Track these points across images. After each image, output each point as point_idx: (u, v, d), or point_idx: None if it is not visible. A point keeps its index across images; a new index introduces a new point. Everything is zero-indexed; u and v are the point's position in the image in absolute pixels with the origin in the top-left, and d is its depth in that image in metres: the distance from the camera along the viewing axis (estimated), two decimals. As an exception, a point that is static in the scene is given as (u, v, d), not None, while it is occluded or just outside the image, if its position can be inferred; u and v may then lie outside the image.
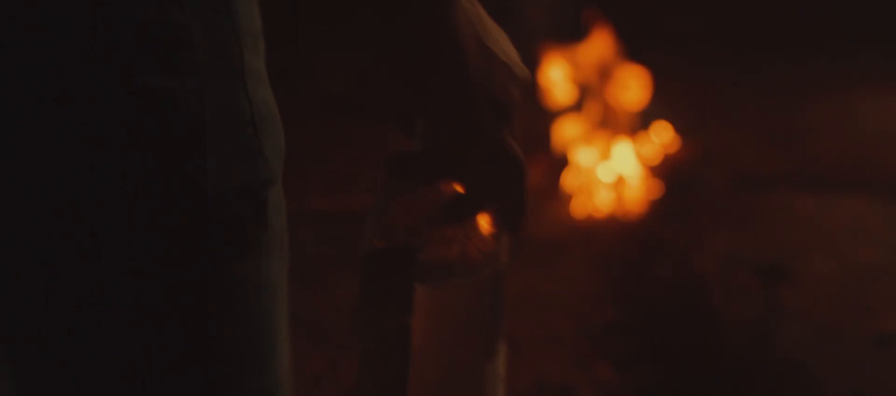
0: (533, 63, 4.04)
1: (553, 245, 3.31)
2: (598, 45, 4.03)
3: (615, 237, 3.40)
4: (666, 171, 3.89)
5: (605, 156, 3.84)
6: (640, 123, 4.01)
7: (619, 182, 3.78)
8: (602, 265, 3.16)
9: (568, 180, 3.79)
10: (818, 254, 3.19)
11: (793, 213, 3.56)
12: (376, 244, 0.79)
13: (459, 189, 0.79)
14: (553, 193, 3.73)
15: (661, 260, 3.17)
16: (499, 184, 0.78)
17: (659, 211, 3.63)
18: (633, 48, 4.09)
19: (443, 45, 0.73)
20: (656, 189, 3.77)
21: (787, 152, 4.19)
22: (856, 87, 5.08)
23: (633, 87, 4.00)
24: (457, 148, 0.76)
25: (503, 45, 0.78)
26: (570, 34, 4.14)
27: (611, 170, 3.80)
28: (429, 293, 0.78)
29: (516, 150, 0.77)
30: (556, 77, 4.03)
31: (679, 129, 4.13)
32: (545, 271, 3.09)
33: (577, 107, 4.01)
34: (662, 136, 4.06)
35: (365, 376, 0.80)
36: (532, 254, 3.18)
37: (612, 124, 3.93)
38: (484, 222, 0.80)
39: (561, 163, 3.87)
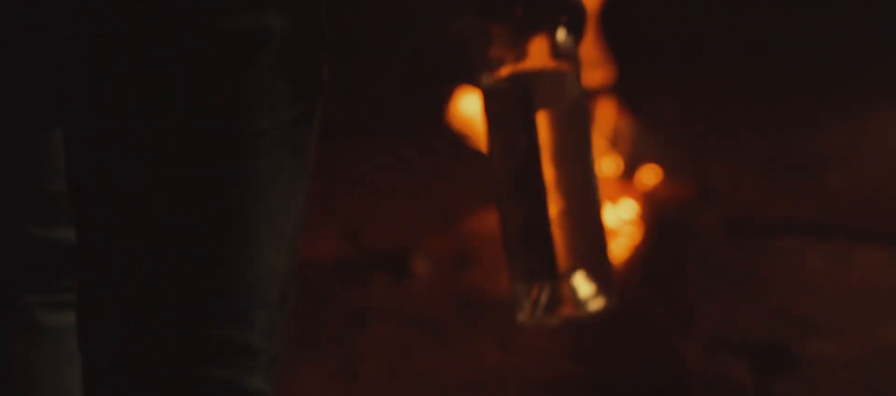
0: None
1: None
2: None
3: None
4: (651, 221, 3.35)
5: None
6: (623, 166, 3.50)
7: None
8: (568, 342, 2.74)
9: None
10: (828, 330, 2.69)
11: (799, 273, 3.05)
12: (489, 80, 1.02)
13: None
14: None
15: (637, 337, 2.77)
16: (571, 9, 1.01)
17: (641, 272, 3.14)
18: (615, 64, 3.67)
19: None
20: (639, 244, 3.25)
21: (792, 189, 3.63)
22: (877, 105, 4.43)
23: (613, 126, 3.51)
24: None
25: None
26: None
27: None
28: (545, 116, 1.01)
29: None
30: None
31: (668, 168, 3.60)
32: (504, 344, 2.77)
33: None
34: (649, 180, 3.52)
35: (505, 205, 1.05)
36: (489, 323, 2.84)
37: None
38: (566, 43, 1.02)
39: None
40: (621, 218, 3.31)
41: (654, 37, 4.56)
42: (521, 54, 1.02)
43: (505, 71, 1.02)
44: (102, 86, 0.96)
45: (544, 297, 1.07)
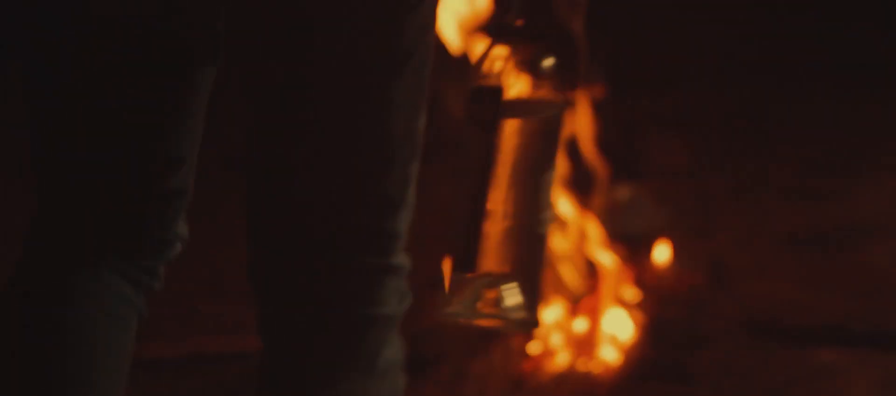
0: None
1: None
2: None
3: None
4: (655, 320, 2.69)
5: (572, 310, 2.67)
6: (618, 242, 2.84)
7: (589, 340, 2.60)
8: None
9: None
10: None
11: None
12: (477, 84, 1.15)
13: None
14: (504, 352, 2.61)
15: None
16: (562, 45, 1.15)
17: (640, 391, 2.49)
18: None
19: None
20: (638, 352, 2.59)
21: (823, 271, 2.95)
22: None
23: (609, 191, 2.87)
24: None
25: None
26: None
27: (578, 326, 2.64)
28: (512, 124, 1.13)
29: (576, 27, 1.16)
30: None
31: (674, 242, 2.94)
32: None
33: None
34: (650, 260, 2.86)
35: (462, 189, 1.15)
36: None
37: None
38: (551, 71, 1.14)
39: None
40: (618, 316, 2.66)
41: (652, 69, 3.89)
42: (506, 68, 1.16)
43: (489, 78, 1.16)
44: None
45: (469, 295, 1.14)
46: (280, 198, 1.26)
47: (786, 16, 4.34)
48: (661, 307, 2.69)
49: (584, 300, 2.68)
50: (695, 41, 4.10)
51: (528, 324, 1.16)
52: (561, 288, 2.70)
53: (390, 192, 1.24)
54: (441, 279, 1.16)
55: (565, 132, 1.25)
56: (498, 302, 1.14)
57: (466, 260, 1.14)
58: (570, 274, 2.71)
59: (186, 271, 1.61)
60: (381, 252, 1.25)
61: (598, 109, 3.00)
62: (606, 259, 2.69)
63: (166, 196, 1.32)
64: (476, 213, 1.14)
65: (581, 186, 2.90)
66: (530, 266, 1.15)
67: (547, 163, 1.15)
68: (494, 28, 1.17)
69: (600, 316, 2.63)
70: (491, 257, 1.14)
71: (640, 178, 3.28)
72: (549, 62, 1.15)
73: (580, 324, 2.62)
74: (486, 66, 1.15)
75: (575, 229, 2.80)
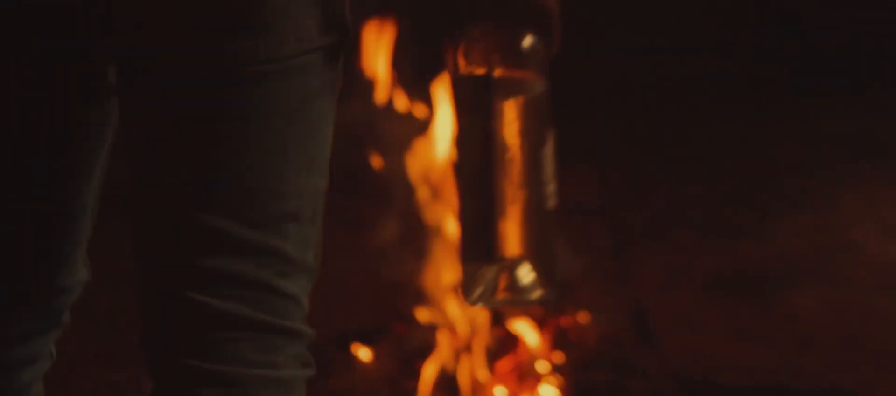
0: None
1: None
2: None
3: None
4: (577, 381, 2.45)
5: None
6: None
7: None
8: None
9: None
10: None
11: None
12: (459, 71, 1.16)
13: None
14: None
15: None
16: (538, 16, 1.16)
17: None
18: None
19: None
20: None
21: (751, 323, 2.74)
22: (841, 181, 3.53)
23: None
24: None
25: None
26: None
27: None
28: (504, 106, 1.14)
29: None
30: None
31: (591, 291, 2.71)
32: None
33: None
34: (568, 312, 2.62)
35: (463, 190, 1.17)
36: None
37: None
38: (532, 48, 1.15)
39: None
40: (534, 376, 2.41)
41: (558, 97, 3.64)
42: (490, 52, 1.16)
43: (474, 65, 1.17)
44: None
45: (488, 281, 1.14)
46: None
47: (687, 34, 4.15)
48: (584, 370, 2.45)
49: (502, 364, 2.43)
50: (597, 67, 3.87)
51: (547, 299, 1.18)
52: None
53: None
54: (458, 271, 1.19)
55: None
56: (515, 283, 1.15)
57: (484, 251, 1.15)
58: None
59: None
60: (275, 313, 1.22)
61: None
62: (522, 327, 2.45)
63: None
64: (486, 201, 1.15)
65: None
66: (541, 242, 1.16)
67: (542, 138, 1.16)
68: (471, 13, 1.20)
69: (521, 387, 2.38)
70: (504, 241, 1.15)
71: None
72: (528, 41, 1.16)
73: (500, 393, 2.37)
74: (467, 53, 1.18)
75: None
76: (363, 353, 2.46)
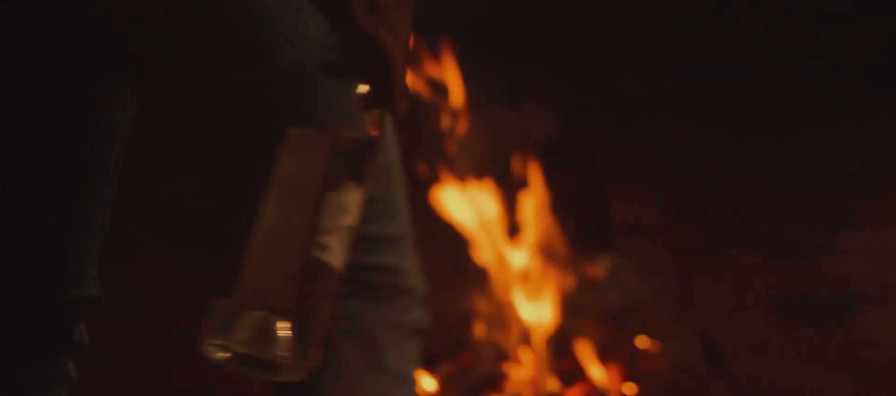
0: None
1: None
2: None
3: None
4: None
5: None
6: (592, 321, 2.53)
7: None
8: None
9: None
10: None
11: None
12: None
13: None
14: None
15: None
16: (369, 65, 1.04)
17: None
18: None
19: None
20: None
21: (822, 348, 2.65)
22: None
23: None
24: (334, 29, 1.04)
25: None
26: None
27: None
28: (297, 139, 1.05)
29: (385, 40, 1.03)
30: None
31: (656, 317, 2.62)
32: None
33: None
34: (633, 342, 2.54)
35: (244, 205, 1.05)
36: None
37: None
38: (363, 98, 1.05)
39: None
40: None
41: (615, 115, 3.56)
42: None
43: None
44: None
45: (233, 325, 0.99)
46: None
47: (747, 51, 4.04)
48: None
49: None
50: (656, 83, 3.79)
51: (294, 368, 1.00)
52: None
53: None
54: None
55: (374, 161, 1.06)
56: (261, 336, 0.99)
57: (229, 285, 1.00)
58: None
59: None
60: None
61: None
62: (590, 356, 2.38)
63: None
64: (243, 233, 1.01)
65: (550, 254, 2.58)
66: (307, 299, 1.01)
67: (332, 184, 1.02)
68: None
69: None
70: (267, 285, 1.00)
71: (609, 238, 2.98)
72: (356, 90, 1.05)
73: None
74: None
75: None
76: (428, 383, 2.39)
